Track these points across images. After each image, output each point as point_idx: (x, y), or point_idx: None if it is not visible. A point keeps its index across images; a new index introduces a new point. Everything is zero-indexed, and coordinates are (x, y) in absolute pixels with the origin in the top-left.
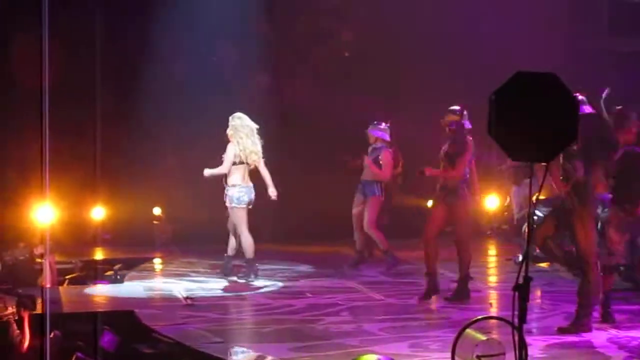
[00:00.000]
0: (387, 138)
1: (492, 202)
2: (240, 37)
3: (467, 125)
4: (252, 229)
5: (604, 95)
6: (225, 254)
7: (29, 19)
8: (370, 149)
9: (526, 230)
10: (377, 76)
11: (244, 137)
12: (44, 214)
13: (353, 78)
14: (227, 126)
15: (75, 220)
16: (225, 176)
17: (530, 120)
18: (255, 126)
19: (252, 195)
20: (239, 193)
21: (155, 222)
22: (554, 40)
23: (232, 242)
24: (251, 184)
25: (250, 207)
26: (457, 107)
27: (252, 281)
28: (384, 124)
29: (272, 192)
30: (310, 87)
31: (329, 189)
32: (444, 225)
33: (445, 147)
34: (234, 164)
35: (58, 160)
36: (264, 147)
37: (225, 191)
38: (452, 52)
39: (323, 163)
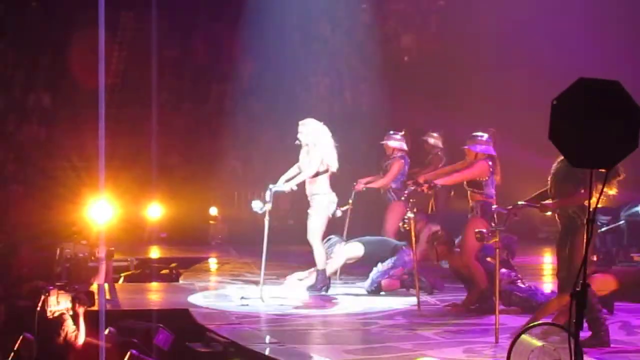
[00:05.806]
0: (405, 148)
1: None
2: (306, 40)
3: (492, 151)
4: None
5: None
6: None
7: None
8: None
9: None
10: (438, 81)
11: (328, 143)
12: (100, 211)
13: (415, 82)
14: (290, 127)
15: (131, 218)
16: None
17: (591, 127)
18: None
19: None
20: (328, 202)
21: (211, 221)
22: (620, 48)
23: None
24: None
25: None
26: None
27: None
28: (399, 134)
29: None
30: (374, 91)
31: None
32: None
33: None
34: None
35: (115, 158)
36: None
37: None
38: (515, 59)
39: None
